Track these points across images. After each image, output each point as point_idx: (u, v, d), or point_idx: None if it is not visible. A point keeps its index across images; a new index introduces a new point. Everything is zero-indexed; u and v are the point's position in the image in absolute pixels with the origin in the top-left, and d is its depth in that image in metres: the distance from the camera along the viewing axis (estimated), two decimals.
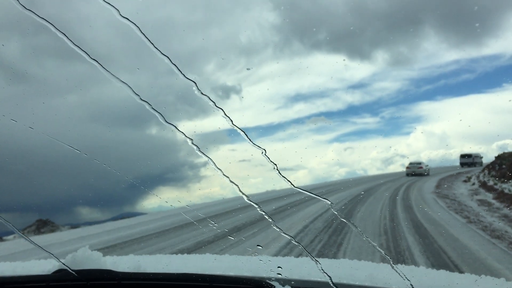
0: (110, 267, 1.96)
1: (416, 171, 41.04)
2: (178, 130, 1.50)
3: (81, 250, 2.04)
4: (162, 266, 2.55)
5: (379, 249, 1.72)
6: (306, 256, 1.80)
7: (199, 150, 1.53)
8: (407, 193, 23.98)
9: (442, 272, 2.45)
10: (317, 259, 1.68)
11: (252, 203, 1.64)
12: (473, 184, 27.06)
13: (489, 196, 20.21)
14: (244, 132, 1.56)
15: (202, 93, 1.50)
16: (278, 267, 2.02)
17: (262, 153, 1.55)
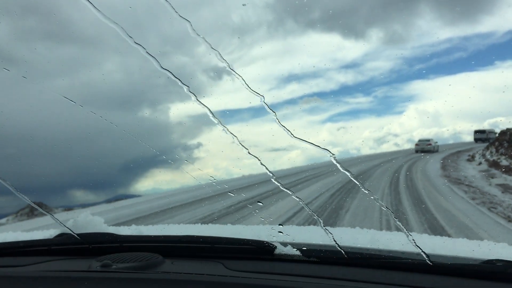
0: (110, 231, 1.99)
1: (425, 148, 41.27)
2: (199, 102, 1.51)
3: (82, 215, 2.08)
4: (163, 233, 2.56)
5: (381, 202, 1.72)
6: (309, 224, 1.80)
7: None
8: (410, 178, 19.64)
9: (457, 240, 2.44)
10: (327, 228, 1.68)
11: (273, 179, 1.68)
12: (480, 163, 24.95)
13: (510, 180, 17.42)
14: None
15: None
16: (279, 232, 2.02)
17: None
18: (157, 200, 17.90)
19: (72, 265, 1.70)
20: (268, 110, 1.57)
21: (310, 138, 1.67)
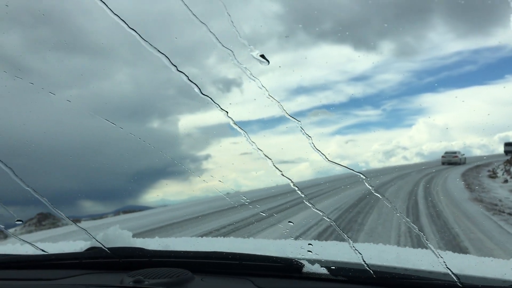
0: (138, 245, 2.01)
1: (451, 160, 40.15)
2: (214, 102, 1.51)
3: (111, 229, 2.11)
4: (190, 247, 2.58)
5: (412, 225, 1.69)
6: (334, 239, 1.79)
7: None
8: (432, 203, 15.39)
9: (484, 259, 2.35)
10: (348, 237, 1.69)
11: (296, 189, 1.67)
12: (506, 181, 22.21)
13: None
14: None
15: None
16: (309, 244, 2.02)
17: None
18: (175, 211, 17.92)
19: (105, 280, 1.72)
20: (292, 118, 1.56)
21: (317, 150, 1.65)
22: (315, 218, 12.78)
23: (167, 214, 16.97)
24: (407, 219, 1.95)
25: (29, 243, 2.06)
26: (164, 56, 1.43)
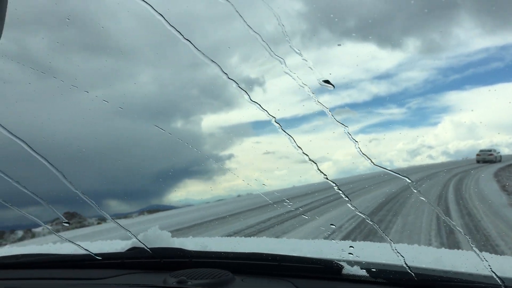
0: (177, 245, 2.04)
1: (486, 158, 39.17)
2: (263, 108, 1.51)
3: (151, 229, 2.15)
4: (227, 247, 2.60)
5: (459, 229, 1.66)
6: (374, 240, 1.76)
7: None
8: (467, 211, 13.44)
9: None
10: (390, 239, 1.68)
11: (333, 184, 1.64)
12: None
13: None
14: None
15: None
16: (350, 246, 2.02)
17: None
18: (200, 211, 18.04)
19: (148, 280, 1.75)
20: (341, 123, 1.53)
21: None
22: (340, 218, 12.65)
23: (192, 214, 17.10)
24: (451, 221, 1.89)
25: (73, 242, 2.08)
26: (216, 64, 1.44)
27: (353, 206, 1.69)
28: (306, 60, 1.43)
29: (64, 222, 2.16)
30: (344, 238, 9.99)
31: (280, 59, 1.41)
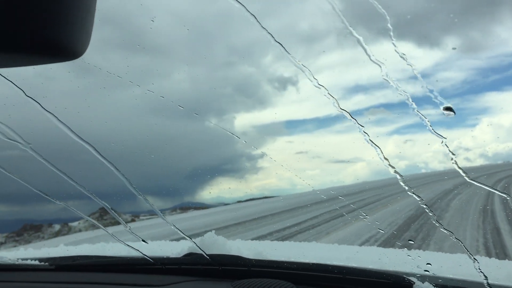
0: (234, 252, 1.99)
1: None
2: (357, 122, 1.45)
3: (208, 235, 2.10)
4: (282, 252, 2.54)
5: None
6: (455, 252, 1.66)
7: None
8: None
9: None
10: (475, 257, 1.55)
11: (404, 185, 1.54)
12: None
13: None
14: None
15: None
16: (428, 264, 1.83)
17: (442, 142, 1.50)
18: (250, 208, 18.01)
19: None
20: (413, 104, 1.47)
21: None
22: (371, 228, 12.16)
23: (227, 214, 17.16)
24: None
25: (130, 245, 2.04)
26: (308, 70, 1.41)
27: (445, 229, 1.57)
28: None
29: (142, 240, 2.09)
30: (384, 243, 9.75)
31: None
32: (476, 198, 17.33)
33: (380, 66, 1.37)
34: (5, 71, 1.37)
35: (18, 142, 1.64)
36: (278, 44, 1.37)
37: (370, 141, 1.50)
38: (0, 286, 1.86)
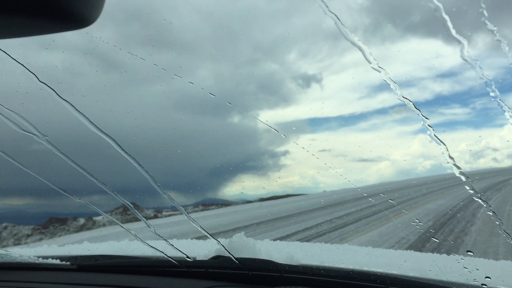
0: (264, 255, 1.87)
1: None
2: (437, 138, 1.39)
3: (236, 236, 1.98)
4: (314, 255, 2.41)
5: None
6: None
7: None
8: None
9: None
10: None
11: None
12: None
13: None
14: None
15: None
16: (486, 277, 1.66)
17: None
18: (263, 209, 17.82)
19: None
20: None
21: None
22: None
23: (251, 212, 17.10)
24: None
25: (155, 247, 1.95)
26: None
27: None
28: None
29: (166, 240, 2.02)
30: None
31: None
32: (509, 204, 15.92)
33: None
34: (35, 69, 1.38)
35: (33, 134, 1.63)
36: (332, 14, 1.31)
37: (434, 137, 1.43)
38: (21, 286, 1.84)
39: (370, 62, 1.37)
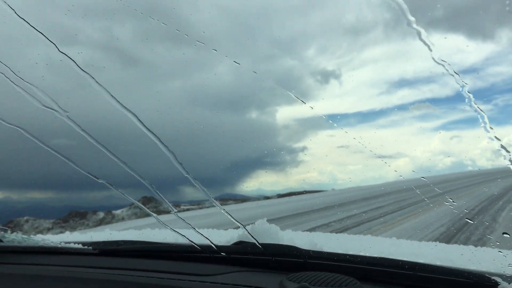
0: (287, 242, 1.83)
1: None
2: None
3: (259, 222, 1.96)
4: (337, 245, 2.34)
5: None
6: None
7: None
8: None
9: None
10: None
11: None
12: None
13: None
14: None
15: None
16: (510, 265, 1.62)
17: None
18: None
19: (261, 280, 1.58)
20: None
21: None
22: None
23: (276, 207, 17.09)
24: None
25: (177, 231, 1.93)
26: None
27: None
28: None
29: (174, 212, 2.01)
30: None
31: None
32: None
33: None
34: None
35: (54, 110, 1.61)
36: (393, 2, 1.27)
37: (490, 129, 1.37)
38: (44, 269, 1.86)
39: (434, 59, 1.32)
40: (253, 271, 1.67)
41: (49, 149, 1.69)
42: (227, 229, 2.23)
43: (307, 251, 1.66)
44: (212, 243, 1.83)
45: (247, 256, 1.76)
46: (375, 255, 1.60)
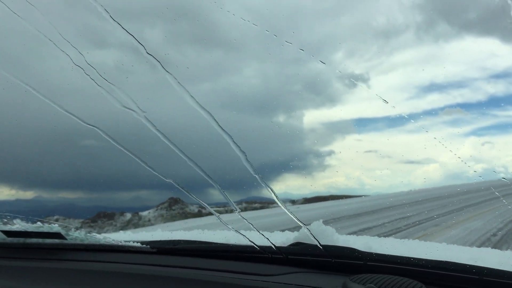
0: (343, 244, 1.82)
1: None
2: None
3: (315, 224, 1.93)
4: (388, 248, 2.31)
5: None
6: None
7: None
8: None
9: None
10: None
11: None
12: None
13: None
14: None
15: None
16: None
17: None
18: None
19: (323, 282, 1.57)
20: None
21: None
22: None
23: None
24: None
25: (238, 231, 1.96)
26: None
27: None
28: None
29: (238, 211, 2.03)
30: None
31: None
32: None
33: None
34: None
35: (133, 110, 1.65)
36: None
37: None
38: (105, 266, 1.92)
39: None
40: (313, 272, 1.66)
41: (122, 149, 1.73)
42: (272, 231, 2.21)
43: (369, 253, 1.65)
44: (272, 243, 1.82)
45: (305, 257, 1.75)
46: (440, 259, 1.56)
